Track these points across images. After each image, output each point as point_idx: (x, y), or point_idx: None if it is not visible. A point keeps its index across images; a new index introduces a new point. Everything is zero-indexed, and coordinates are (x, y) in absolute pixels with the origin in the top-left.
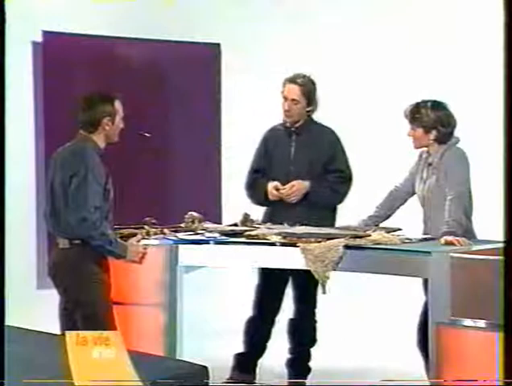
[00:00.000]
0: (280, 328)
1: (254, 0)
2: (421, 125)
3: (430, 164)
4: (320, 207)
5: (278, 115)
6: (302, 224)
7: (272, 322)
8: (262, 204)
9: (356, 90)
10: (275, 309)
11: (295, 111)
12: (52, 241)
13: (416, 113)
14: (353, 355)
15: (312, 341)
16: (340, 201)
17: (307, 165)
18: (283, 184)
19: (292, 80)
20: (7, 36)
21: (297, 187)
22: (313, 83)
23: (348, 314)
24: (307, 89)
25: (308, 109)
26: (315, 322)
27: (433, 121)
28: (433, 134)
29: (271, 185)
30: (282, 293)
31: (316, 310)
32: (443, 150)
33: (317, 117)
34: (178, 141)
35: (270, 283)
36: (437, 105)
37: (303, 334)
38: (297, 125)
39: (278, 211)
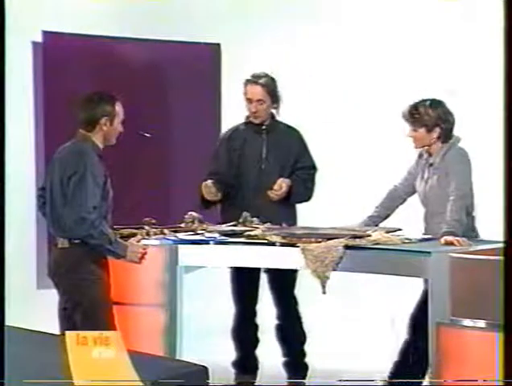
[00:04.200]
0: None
1: (255, 0)
2: (422, 125)
3: (431, 164)
4: (286, 205)
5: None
6: (266, 222)
7: (254, 318)
8: (205, 206)
9: (355, 90)
10: (253, 307)
11: (262, 111)
12: (52, 241)
13: (416, 113)
14: (353, 355)
15: (303, 339)
16: (311, 197)
17: (278, 163)
18: (255, 183)
19: (254, 81)
20: (7, 36)
21: (286, 186)
22: (274, 80)
23: (348, 314)
24: (271, 88)
25: (274, 106)
26: (300, 319)
27: (435, 119)
28: (436, 132)
29: (204, 183)
30: (256, 291)
31: (299, 308)
32: (445, 150)
33: (318, 116)
34: (178, 141)
35: (243, 285)
36: (436, 103)
37: (292, 335)
38: (266, 123)
39: (243, 210)
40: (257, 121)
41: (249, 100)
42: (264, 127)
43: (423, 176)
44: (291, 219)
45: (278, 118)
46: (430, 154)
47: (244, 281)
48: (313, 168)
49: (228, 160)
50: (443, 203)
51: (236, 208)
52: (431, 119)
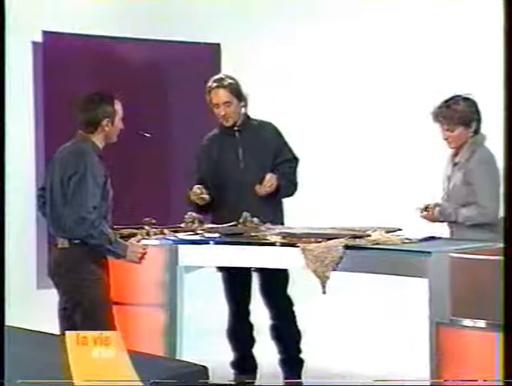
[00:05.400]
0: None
1: (254, 0)
2: (459, 122)
3: (456, 163)
4: (271, 203)
5: (277, 114)
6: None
7: (248, 318)
8: (198, 211)
9: (355, 90)
10: (246, 306)
11: (232, 113)
12: (52, 241)
13: (451, 112)
14: (352, 356)
15: (298, 338)
16: (295, 190)
17: (257, 160)
18: (236, 183)
19: (217, 86)
20: (7, 36)
21: (275, 181)
22: (235, 80)
23: (348, 314)
24: (234, 88)
25: (241, 105)
26: (295, 319)
27: (471, 113)
28: (473, 127)
29: (192, 191)
30: (249, 291)
31: (294, 307)
32: (471, 150)
33: (318, 115)
34: (178, 140)
35: (235, 285)
36: (466, 98)
37: (287, 336)
38: (238, 124)
39: (231, 211)
40: (229, 124)
41: (217, 105)
42: (236, 128)
43: (447, 174)
44: (277, 219)
45: (252, 116)
46: (456, 152)
47: (236, 282)
48: (294, 160)
49: (208, 167)
50: (464, 201)
51: (222, 211)
52: (468, 115)
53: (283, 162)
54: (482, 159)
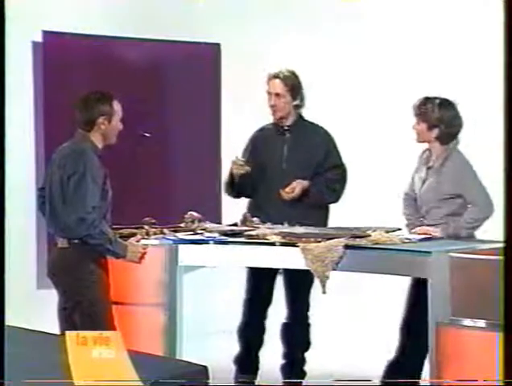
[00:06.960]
0: (276, 331)
1: (255, 0)
2: (424, 120)
3: (430, 167)
4: (313, 206)
5: None
6: (295, 224)
7: (264, 319)
8: (234, 191)
9: (355, 90)
10: (265, 305)
11: (280, 105)
12: (52, 241)
13: (422, 108)
14: (351, 355)
15: (306, 345)
16: (337, 198)
17: (301, 163)
18: (277, 182)
19: (275, 76)
20: (7, 36)
21: (299, 188)
22: (296, 77)
23: (348, 314)
24: (290, 83)
25: (295, 104)
26: (308, 325)
27: (436, 118)
28: (435, 132)
29: (232, 161)
30: (271, 290)
31: (310, 313)
32: (445, 156)
33: (317, 116)
34: (178, 140)
35: (259, 282)
36: (445, 104)
37: (297, 338)
38: (288, 123)
39: (268, 210)
40: (276, 117)
41: (269, 94)
42: (286, 127)
43: (421, 176)
44: (318, 221)
45: (306, 118)
46: (430, 154)
47: (259, 283)
48: (340, 168)
49: (252, 161)
50: (437, 204)
51: (262, 208)
52: (433, 117)
53: (330, 169)
54: (461, 161)
